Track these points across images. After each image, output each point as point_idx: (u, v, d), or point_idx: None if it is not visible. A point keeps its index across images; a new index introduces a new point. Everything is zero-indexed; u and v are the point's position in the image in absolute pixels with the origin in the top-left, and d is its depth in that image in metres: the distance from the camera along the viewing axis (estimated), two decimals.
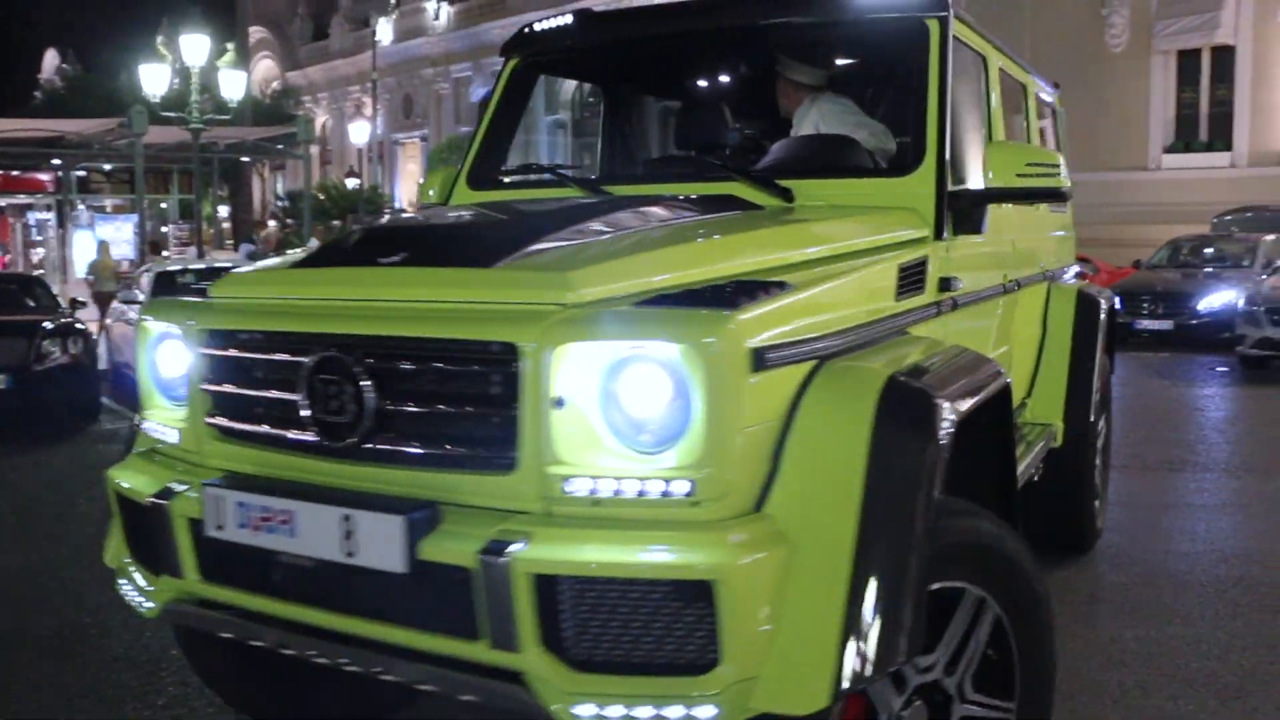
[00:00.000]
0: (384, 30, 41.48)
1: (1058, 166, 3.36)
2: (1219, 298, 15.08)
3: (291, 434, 2.55)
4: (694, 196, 3.32)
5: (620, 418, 2.17)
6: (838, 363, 2.41)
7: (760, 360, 2.18)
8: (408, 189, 47.02)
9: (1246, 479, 7.35)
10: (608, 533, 2.12)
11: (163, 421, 2.88)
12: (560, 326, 2.19)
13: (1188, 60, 24.44)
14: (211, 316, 2.74)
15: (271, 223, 30.21)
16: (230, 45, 23.84)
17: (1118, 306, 6.74)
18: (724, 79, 4.49)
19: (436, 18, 47.85)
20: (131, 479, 2.83)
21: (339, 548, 2.31)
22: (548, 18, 4.07)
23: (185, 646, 3.34)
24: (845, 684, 2.09)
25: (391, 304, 2.47)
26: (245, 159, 34.36)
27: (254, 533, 2.45)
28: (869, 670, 2.11)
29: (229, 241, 30.67)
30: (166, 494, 2.66)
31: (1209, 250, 17.43)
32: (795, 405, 2.28)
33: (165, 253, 25.98)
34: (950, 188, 3.29)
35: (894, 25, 3.54)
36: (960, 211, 3.32)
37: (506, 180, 4.02)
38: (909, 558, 2.17)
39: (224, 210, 38.85)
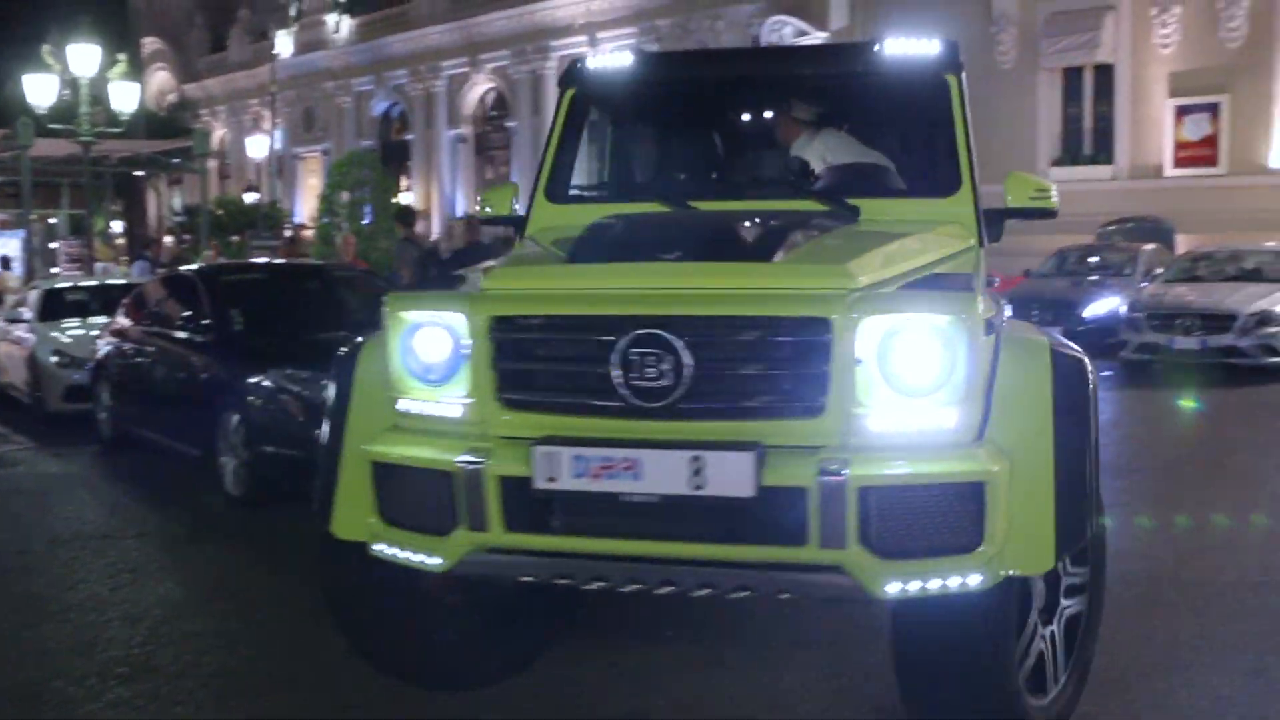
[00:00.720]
0: (283, 43, 40.67)
1: (1050, 192, 4.30)
2: (1103, 305, 15.52)
3: (598, 401, 3.07)
4: (806, 210, 4.04)
5: (896, 370, 2.98)
6: (1009, 334, 3.39)
7: (989, 328, 3.15)
8: (308, 203, 46.21)
9: (1128, 479, 7.53)
10: (903, 454, 2.96)
11: (426, 399, 3.29)
12: (860, 303, 2.99)
13: (1072, 77, 25.14)
14: (498, 305, 3.21)
15: (168, 238, 29.43)
16: (122, 56, 23.10)
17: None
18: (767, 116, 5.11)
19: (337, 30, 47.23)
20: (409, 450, 3.24)
21: (687, 483, 2.92)
22: (599, 55, 4.87)
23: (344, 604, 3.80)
24: (1062, 550, 3.12)
25: (703, 291, 3.11)
26: (140, 173, 33.39)
27: (593, 480, 2.98)
28: (1072, 543, 3.17)
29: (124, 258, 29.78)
30: (475, 458, 3.09)
31: (1094, 259, 17.94)
32: (993, 364, 3.18)
33: (55, 269, 25.09)
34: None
35: (923, 79, 4.42)
36: (990, 226, 4.24)
37: (586, 195, 4.71)
38: (1087, 467, 3.21)
39: (119, 225, 37.72)
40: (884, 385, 3.00)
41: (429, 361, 3.30)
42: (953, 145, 4.30)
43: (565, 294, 3.27)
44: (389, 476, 3.31)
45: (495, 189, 4.83)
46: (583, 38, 42.43)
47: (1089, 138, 24.86)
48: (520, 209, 4.65)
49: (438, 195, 48.12)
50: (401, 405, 3.37)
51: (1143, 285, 15.37)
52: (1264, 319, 12.71)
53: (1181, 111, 23.33)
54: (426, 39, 46.12)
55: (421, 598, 3.76)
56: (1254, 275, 14.25)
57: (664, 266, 3.27)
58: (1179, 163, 23.41)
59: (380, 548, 3.38)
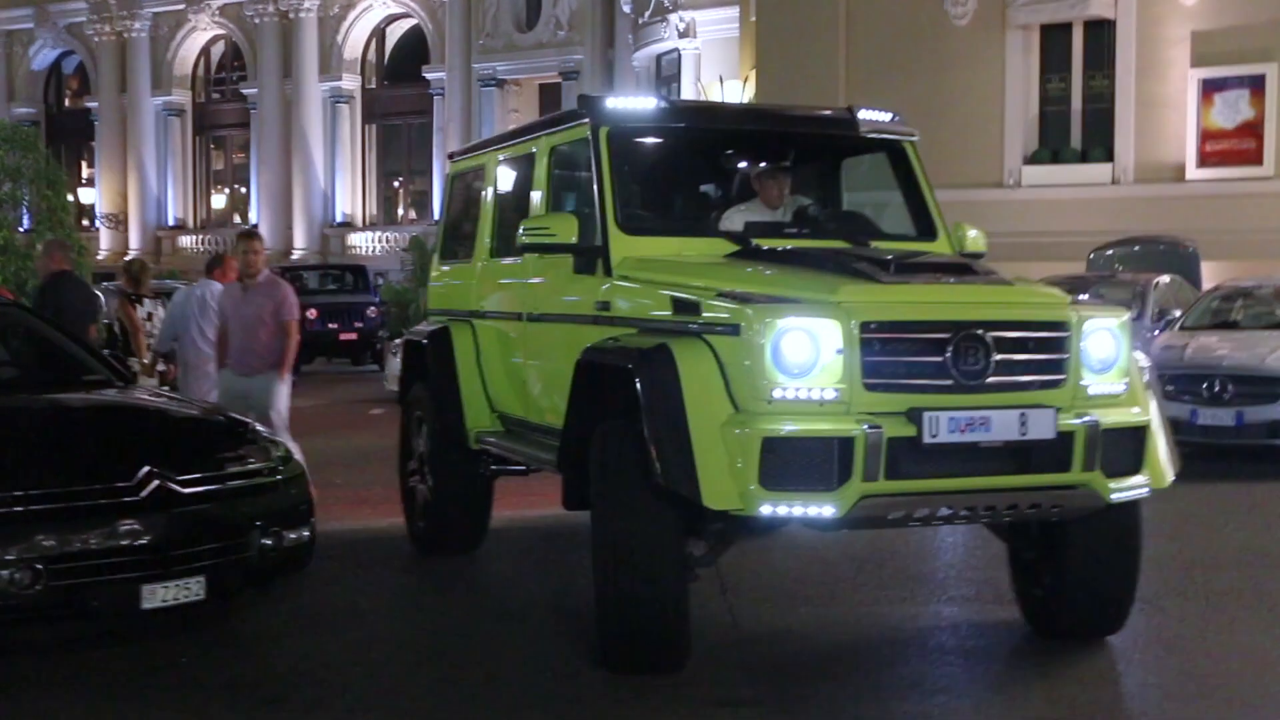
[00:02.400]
0: None
1: (980, 240, 7.92)
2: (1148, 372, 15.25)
3: (935, 380, 5.98)
4: (881, 246, 7.51)
5: (1093, 355, 6.27)
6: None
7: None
8: None
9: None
10: (1106, 407, 6.24)
11: (798, 386, 5.83)
12: (1082, 312, 6.34)
13: (1054, 39, 25.38)
14: (866, 312, 5.93)
15: None
16: None
17: None
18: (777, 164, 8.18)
19: None
20: (806, 426, 5.80)
21: (1017, 431, 5.96)
22: (617, 97, 8.67)
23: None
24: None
25: (991, 303, 6.25)
26: None
27: (962, 433, 5.87)
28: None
29: None
30: (874, 425, 5.77)
31: (1084, 296, 17.73)
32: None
33: None
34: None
35: (888, 145, 8.23)
36: None
37: (652, 227, 7.64)
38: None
39: None
40: (1084, 367, 6.27)
41: (796, 359, 5.83)
42: (923, 201, 8.08)
43: (909, 304, 6.15)
44: (779, 449, 5.76)
45: (555, 216, 7.55)
46: None
47: (1078, 125, 25.17)
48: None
49: (137, 194, 46.56)
50: (775, 394, 5.84)
51: (1154, 333, 15.21)
52: None
53: (1210, 88, 23.67)
54: None
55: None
56: None
57: (954, 288, 6.43)
58: (1206, 160, 23.72)
59: (766, 508, 5.76)
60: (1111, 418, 6.22)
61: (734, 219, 7.78)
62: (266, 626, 7.39)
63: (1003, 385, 6.04)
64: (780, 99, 24.23)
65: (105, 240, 46.67)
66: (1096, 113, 24.98)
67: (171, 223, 47.15)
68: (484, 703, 6.12)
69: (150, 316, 12.29)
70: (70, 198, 49.11)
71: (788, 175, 8.00)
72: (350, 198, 43.21)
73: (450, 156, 10.69)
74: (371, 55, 44.23)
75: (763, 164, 7.99)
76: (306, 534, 7.05)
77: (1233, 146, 23.54)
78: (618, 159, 7.45)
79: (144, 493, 6.31)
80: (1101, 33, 24.76)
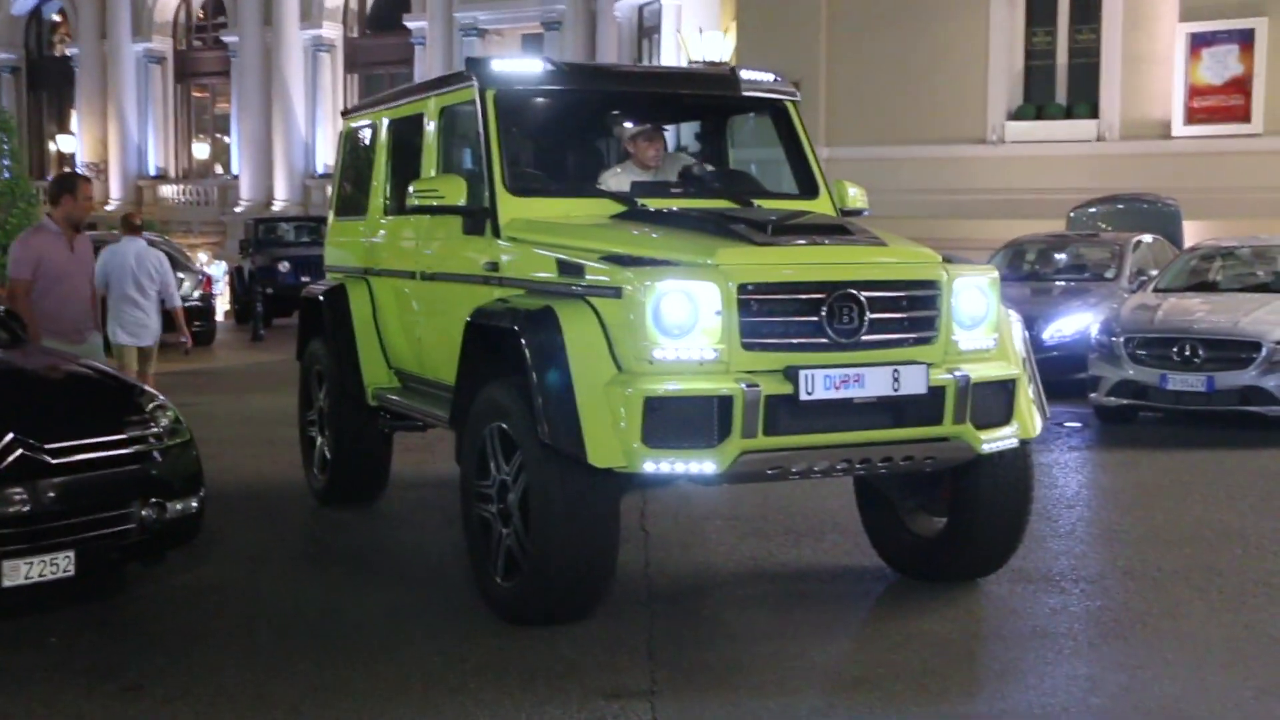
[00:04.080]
0: None
1: (860, 197, 8.16)
2: (1073, 322, 15.02)
3: (811, 340, 6.21)
4: (764, 205, 7.80)
5: (963, 311, 6.57)
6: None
7: None
8: None
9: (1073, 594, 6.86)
10: (976, 362, 6.56)
11: (678, 347, 6.02)
12: (952, 270, 6.59)
13: None
14: (739, 275, 6.13)
15: None
16: None
17: None
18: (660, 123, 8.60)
19: None
20: (686, 385, 5.99)
21: (890, 387, 6.24)
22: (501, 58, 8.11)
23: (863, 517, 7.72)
24: None
25: (865, 263, 6.51)
26: None
27: (836, 390, 6.14)
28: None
29: None
30: (751, 383, 6.00)
31: (1062, 256, 17.53)
32: None
33: None
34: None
35: (770, 104, 8.41)
36: None
37: (538, 189, 7.71)
38: None
39: None
40: (953, 321, 6.52)
41: (676, 320, 6.00)
42: (804, 159, 8.27)
43: (785, 265, 6.33)
44: (660, 408, 5.92)
45: (444, 179, 7.51)
46: None
47: (1063, 79, 24.93)
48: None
49: (118, 142, 46.19)
50: (656, 354, 6.00)
51: (1129, 294, 14.90)
52: None
53: (1199, 42, 23.42)
54: None
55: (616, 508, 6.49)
56: None
57: (829, 250, 6.56)
58: (1194, 117, 23.50)
59: (649, 465, 5.96)
60: (981, 372, 6.53)
61: (609, 181, 7.97)
62: (149, 603, 7.06)
63: (876, 343, 6.32)
64: (761, 51, 24.06)
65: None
66: (1082, 68, 24.75)
67: (153, 172, 46.74)
68: (362, 689, 5.76)
69: None
70: (52, 145, 49.02)
71: (661, 136, 8.26)
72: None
73: (343, 113, 10.75)
74: (353, 3, 43.76)
75: (632, 125, 8.15)
76: (194, 505, 6.72)
77: (1220, 103, 23.29)
78: (505, 121, 7.55)
79: (4, 462, 5.94)
80: None
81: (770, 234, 6.53)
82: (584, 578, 6.42)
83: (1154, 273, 15.53)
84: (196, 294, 22.59)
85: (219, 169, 46.91)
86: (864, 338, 6.28)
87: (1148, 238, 17.54)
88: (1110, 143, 23.77)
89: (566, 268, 6.63)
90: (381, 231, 9.02)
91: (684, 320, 6.03)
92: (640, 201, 7.48)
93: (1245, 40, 23.06)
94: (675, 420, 5.99)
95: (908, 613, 7.02)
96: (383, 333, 8.92)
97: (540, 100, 8.15)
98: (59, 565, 6.03)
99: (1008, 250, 17.60)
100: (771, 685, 5.82)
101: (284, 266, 27.15)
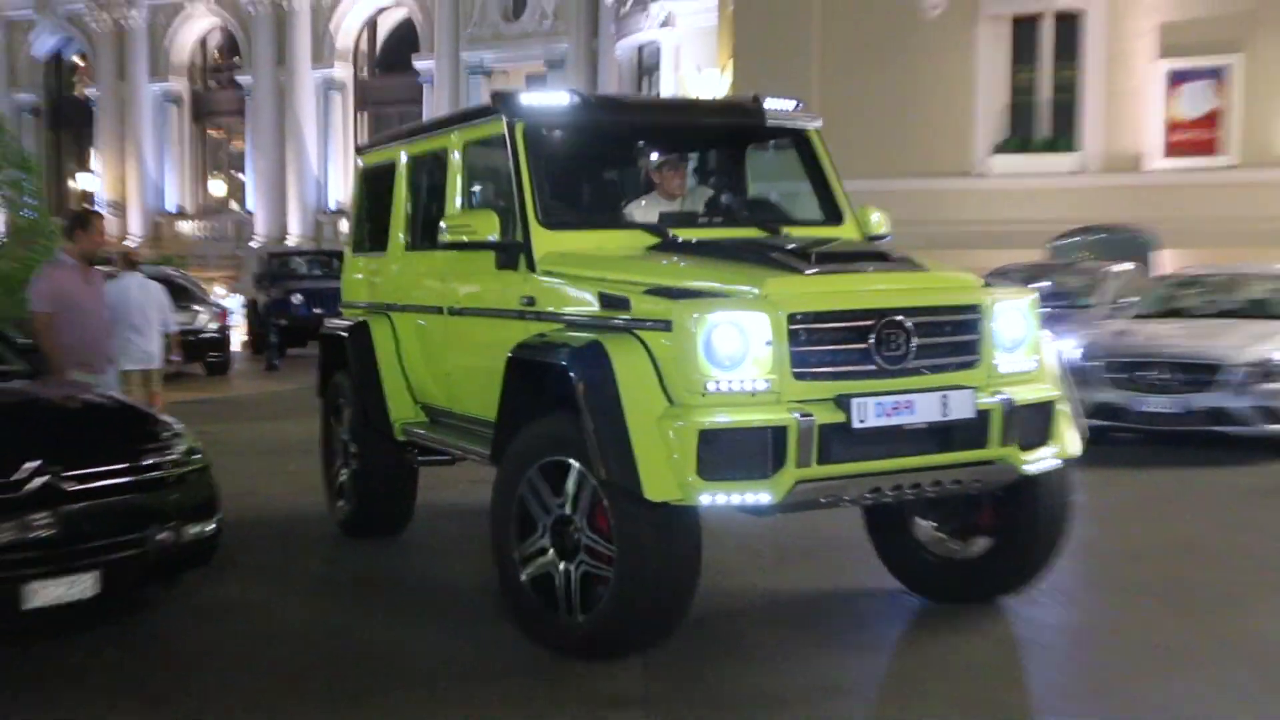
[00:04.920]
0: None
1: (883, 223, 7.89)
2: (1054, 348, 15.06)
3: (860, 367, 6.01)
4: (792, 233, 7.50)
5: (1003, 334, 6.38)
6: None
7: None
8: None
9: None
10: (1017, 384, 6.39)
11: (730, 379, 5.79)
12: (993, 294, 6.43)
13: (1024, 31, 25.16)
14: (793, 303, 5.91)
15: None
16: None
17: None
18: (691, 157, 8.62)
19: None
20: (741, 417, 5.74)
21: (939, 412, 6.08)
22: (531, 91, 8.12)
23: (874, 541, 7.53)
24: None
25: (910, 289, 6.35)
26: None
27: (888, 417, 5.95)
28: None
29: None
30: (805, 414, 5.78)
31: (1044, 284, 17.57)
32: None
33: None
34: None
35: (793, 133, 8.14)
36: None
37: (572, 222, 7.42)
38: None
39: None
40: (996, 346, 6.38)
41: (727, 351, 5.79)
42: (828, 186, 8.01)
43: (833, 294, 6.10)
44: (715, 440, 5.69)
45: (476, 213, 7.26)
46: None
47: (1047, 115, 25.03)
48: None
49: (137, 180, 46.32)
50: (709, 386, 5.78)
51: (1107, 321, 14.99)
52: (1267, 371, 12.27)
53: (1176, 79, 23.58)
54: None
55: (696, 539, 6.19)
56: (1260, 309, 13.95)
57: (873, 277, 6.41)
58: (1171, 150, 23.62)
59: (705, 498, 5.72)
60: (1023, 394, 6.37)
61: (635, 213, 7.75)
62: (167, 622, 7.13)
63: (923, 369, 6.15)
64: (756, 87, 23.85)
65: (107, 226, 46.35)
66: (1064, 103, 24.88)
67: (171, 209, 46.86)
68: (374, 704, 5.85)
69: None
70: (73, 183, 49.10)
71: (685, 166, 8.02)
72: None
73: (358, 150, 10.22)
74: (363, 45, 43.90)
75: (657, 156, 7.93)
76: (210, 528, 6.79)
77: (1196, 136, 23.44)
78: (534, 154, 7.26)
79: (28, 488, 6.03)
80: (1071, 24, 24.62)
81: (814, 262, 6.29)
82: (671, 605, 6.12)
83: (1134, 299, 15.66)
84: (214, 326, 22.74)
85: (234, 205, 46.99)
86: (911, 364, 6.09)
87: (1126, 266, 17.65)
88: (1090, 175, 23.85)
89: (610, 301, 6.36)
90: (403, 267, 8.70)
91: (735, 351, 5.80)
92: (672, 232, 7.23)
93: (1221, 76, 23.27)
94: (730, 452, 5.73)
95: (892, 628, 7.07)
96: (406, 368, 8.59)
97: (567, 133, 7.82)
98: (83, 586, 6.09)
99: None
100: (762, 696, 5.86)
101: (297, 299, 27.18)
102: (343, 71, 43.13)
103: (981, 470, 6.32)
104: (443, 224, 7.31)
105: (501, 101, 7.46)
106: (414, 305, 8.47)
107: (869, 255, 6.76)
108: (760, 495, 5.78)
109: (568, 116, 7.59)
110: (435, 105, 39.58)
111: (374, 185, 9.49)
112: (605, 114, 7.91)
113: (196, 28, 45.98)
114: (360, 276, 9.51)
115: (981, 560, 7.13)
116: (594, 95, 7.92)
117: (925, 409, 6.04)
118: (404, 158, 8.79)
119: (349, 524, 9.16)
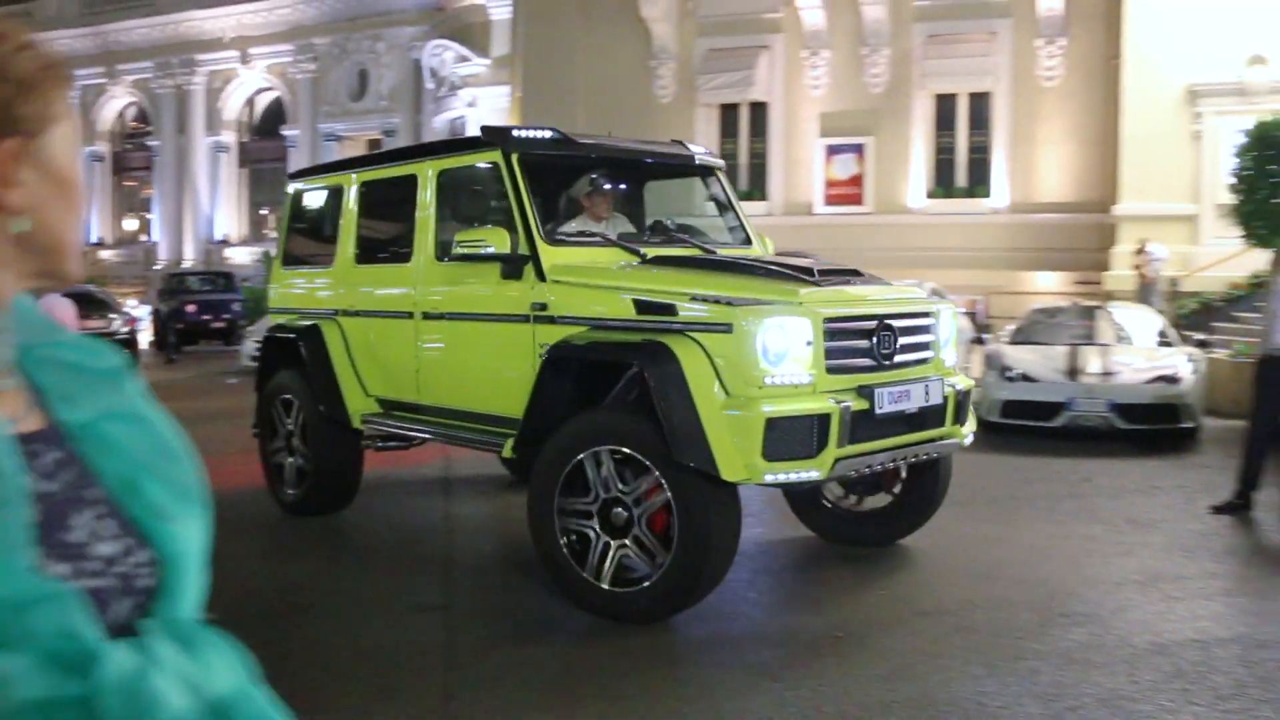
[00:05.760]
0: None
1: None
2: None
3: (867, 362, 5.72)
4: (727, 252, 6.92)
5: (945, 335, 6.32)
6: None
7: None
8: None
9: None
10: (953, 375, 6.29)
11: (782, 373, 5.32)
12: (941, 303, 6.42)
13: (729, 114, 25.48)
14: (823, 310, 5.52)
15: None
16: None
17: None
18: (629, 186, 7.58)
19: None
20: (796, 406, 5.26)
21: (924, 399, 5.88)
22: (523, 129, 6.75)
23: (795, 508, 7.19)
24: None
25: (893, 299, 6.07)
26: None
27: (895, 403, 5.70)
28: None
29: None
30: (843, 402, 5.39)
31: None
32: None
33: None
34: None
35: (709, 169, 7.58)
36: None
37: (569, 239, 6.52)
38: None
39: None
40: (941, 344, 6.25)
41: (777, 350, 5.28)
42: (738, 213, 7.53)
43: (847, 302, 5.75)
44: (777, 426, 5.15)
45: (489, 230, 6.30)
46: (233, 52, 39.86)
47: (745, 173, 25.25)
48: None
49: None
50: (770, 380, 5.24)
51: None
52: None
53: (831, 151, 24.11)
54: (54, 44, 41.67)
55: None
56: None
57: (863, 289, 6.01)
58: (829, 200, 24.15)
59: (769, 477, 5.16)
60: (961, 383, 6.27)
61: (570, 232, 6.87)
62: None
63: (904, 364, 5.92)
64: None
65: None
66: (757, 166, 25.24)
67: (95, 240, 44.37)
68: (347, 693, 4.64)
69: None
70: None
71: (611, 194, 7.13)
72: (227, 221, 41.24)
73: (291, 176, 8.84)
74: (244, 117, 42.17)
75: (590, 184, 7.00)
76: None
77: (845, 192, 24.06)
78: (529, 180, 6.41)
79: None
80: (762, 110, 25.04)
81: (817, 277, 5.83)
82: (723, 568, 5.37)
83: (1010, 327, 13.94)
84: (125, 329, 21.63)
85: (143, 237, 44.77)
86: (897, 359, 5.82)
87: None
88: (775, 217, 24.03)
89: (648, 307, 5.58)
90: (353, 278, 7.60)
91: (782, 350, 5.29)
92: (643, 250, 6.44)
93: (859, 151, 23.94)
94: (789, 437, 5.20)
95: (788, 611, 5.87)
96: (358, 366, 7.52)
97: (549, 163, 6.84)
98: None
99: None
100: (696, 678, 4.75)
101: (190, 308, 26.48)
102: (228, 137, 41.36)
103: (939, 444, 6.11)
104: (456, 239, 6.36)
105: (496, 135, 6.62)
106: (368, 311, 7.45)
107: (848, 272, 6.27)
108: (811, 472, 5.28)
109: (550, 149, 6.73)
110: (298, 162, 38.19)
111: (309, 208, 8.43)
112: (578, 149, 7.00)
113: (115, 104, 43.65)
114: (297, 288, 8.24)
115: (881, 513, 6.92)
116: (568, 134, 6.87)
117: (917, 396, 5.81)
118: (354, 183, 7.76)
119: (297, 506, 7.94)
